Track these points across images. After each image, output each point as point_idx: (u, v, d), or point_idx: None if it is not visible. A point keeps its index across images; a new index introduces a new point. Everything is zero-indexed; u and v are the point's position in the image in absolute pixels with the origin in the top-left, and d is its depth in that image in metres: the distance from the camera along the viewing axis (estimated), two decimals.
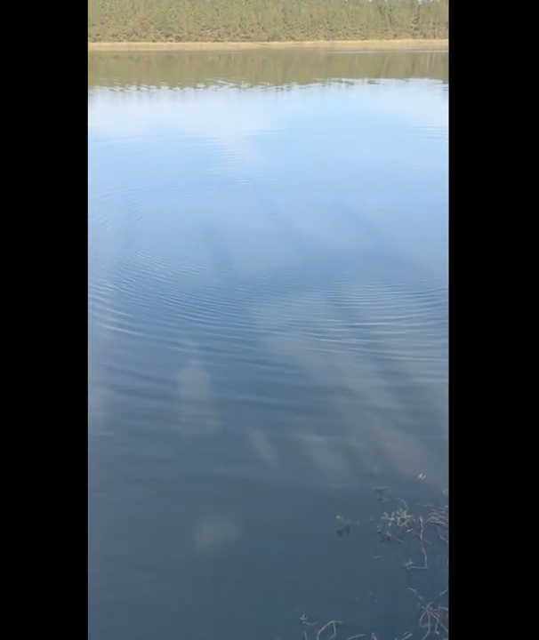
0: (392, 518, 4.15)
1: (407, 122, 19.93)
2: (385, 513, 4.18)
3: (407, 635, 3.37)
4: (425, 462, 4.77)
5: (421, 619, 3.46)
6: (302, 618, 3.46)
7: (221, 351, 6.48)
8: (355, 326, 7.13)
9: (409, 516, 4.17)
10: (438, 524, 4.14)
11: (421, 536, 4.05)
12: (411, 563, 3.85)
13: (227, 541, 4.04)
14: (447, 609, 3.48)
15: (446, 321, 6.50)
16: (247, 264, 9.08)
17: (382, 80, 50.18)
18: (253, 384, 5.90)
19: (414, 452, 4.96)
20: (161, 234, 10.44)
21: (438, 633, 3.37)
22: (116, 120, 25.51)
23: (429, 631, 3.38)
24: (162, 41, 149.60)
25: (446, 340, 6.70)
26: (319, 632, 3.40)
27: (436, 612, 3.47)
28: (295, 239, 10.25)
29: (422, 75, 56.53)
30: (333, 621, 3.45)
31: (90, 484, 4.40)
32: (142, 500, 4.40)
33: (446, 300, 7.66)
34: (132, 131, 22.47)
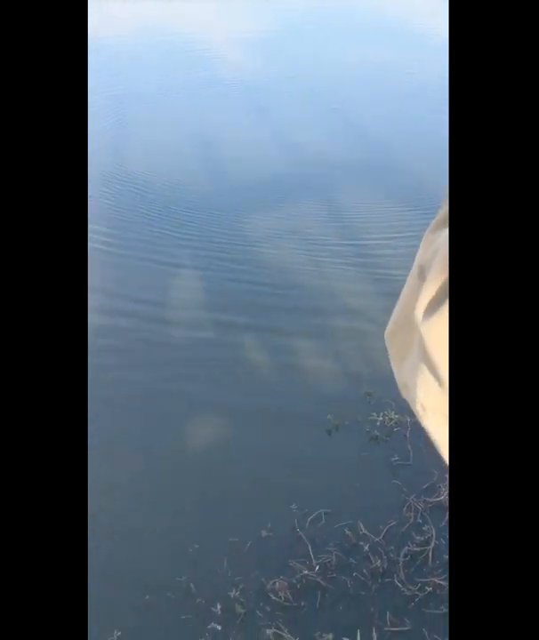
0: (381, 418, 4.30)
1: (412, 20, 18.77)
2: (374, 413, 4.33)
3: (392, 522, 3.58)
4: None
5: (405, 508, 3.67)
6: (293, 507, 3.67)
7: (210, 269, 6.45)
8: (351, 244, 7.07)
9: (397, 416, 4.32)
10: None
11: (407, 434, 4.21)
12: (397, 458, 4.03)
13: (218, 440, 4.20)
14: (430, 500, 3.69)
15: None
16: (240, 174, 8.84)
17: None
18: (242, 299, 5.92)
19: None
20: (150, 142, 10.08)
21: (420, 521, 3.59)
22: (95, 19, 23.92)
23: (412, 519, 3.60)
24: None
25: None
26: (309, 519, 3.61)
27: (419, 503, 3.68)
28: (289, 148, 9.93)
29: None
30: (322, 510, 3.66)
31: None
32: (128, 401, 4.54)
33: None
34: (113, 30, 21.13)
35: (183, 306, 5.74)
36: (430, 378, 0.61)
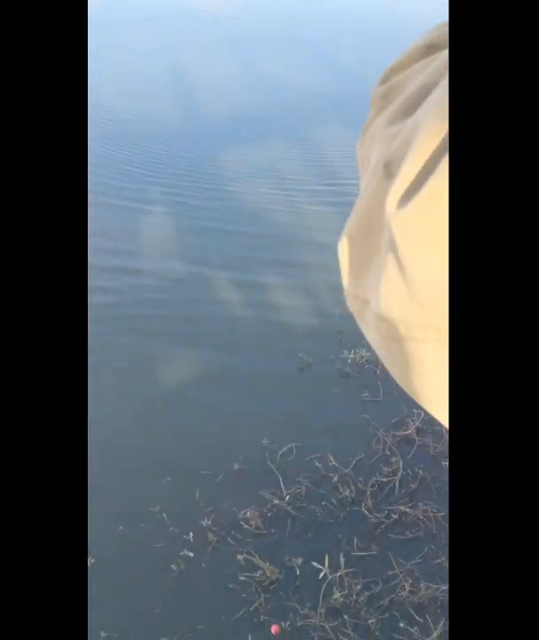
0: (352, 355, 4.34)
1: None
2: (345, 351, 4.36)
3: (360, 455, 3.67)
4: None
5: (374, 441, 3.75)
6: (264, 441, 3.73)
7: (181, 207, 6.31)
8: (326, 184, 6.94)
9: (368, 354, 4.36)
10: None
11: (378, 371, 4.27)
12: (367, 394, 4.10)
13: (190, 377, 4.22)
14: (398, 434, 3.78)
15: None
16: (212, 109, 8.54)
17: None
18: (213, 239, 5.82)
19: None
20: (122, 71, 9.64)
21: (388, 453, 3.68)
22: None
23: (380, 452, 3.69)
24: None
25: None
26: (280, 453, 3.68)
27: (387, 436, 3.76)
28: (264, 83, 9.59)
29: None
30: (293, 444, 3.72)
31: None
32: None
33: None
34: None
35: (153, 245, 5.64)
36: (398, 282, 0.45)
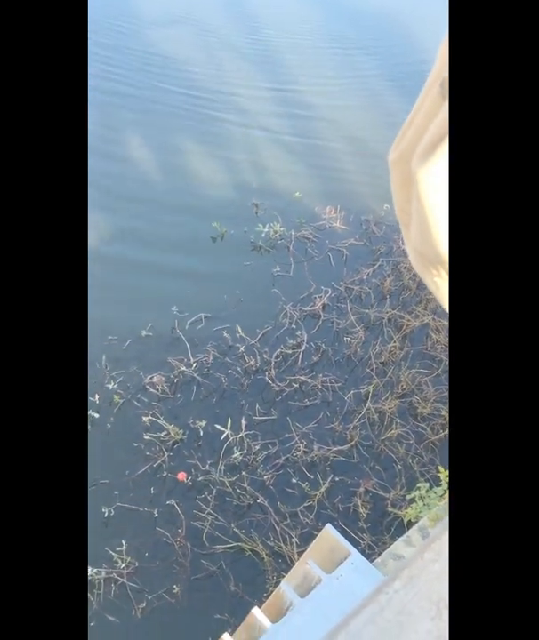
0: (266, 229, 4.29)
1: None
2: (260, 224, 4.30)
3: (268, 327, 3.75)
4: (303, 182, 4.81)
5: (281, 315, 3.83)
6: (174, 309, 3.71)
7: (93, 54, 5.65)
8: (250, 38, 6.39)
9: (282, 229, 4.33)
10: (307, 238, 4.36)
11: (291, 247, 4.27)
12: (278, 269, 4.12)
13: (102, 240, 4.04)
14: (305, 309, 3.88)
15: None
16: None
17: None
18: (127, 92, 5.32)
19: (294, 171, 4.95)
20: None
21: (294, 327, 3.78)
22: None
23: (287, 325, 3.78)
24: None
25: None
26: (189, 322, 3.69)
27: (295, 311, 3.85)
28: None
29: None
30: (202, 314, 3.74)
31: None
32: None
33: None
34: None
35: None
36: (423, 226, 0.52)
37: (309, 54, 6.30)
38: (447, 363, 3.62)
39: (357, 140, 5.26)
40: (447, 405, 3.38)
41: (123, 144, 4.73)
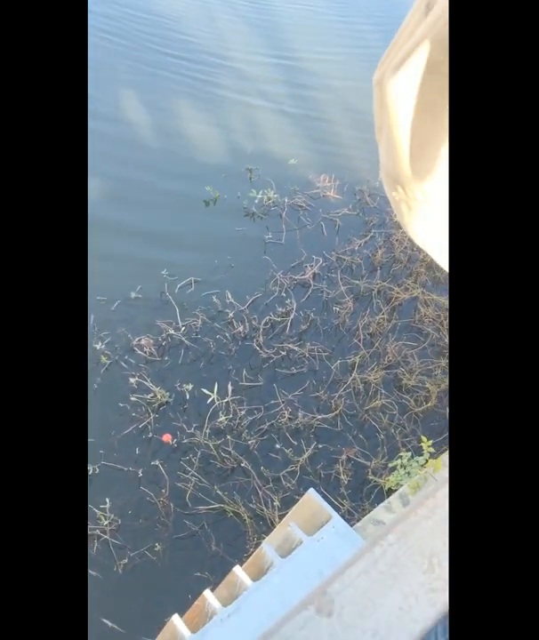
0: (259, 196, 4.24)
1: None
2: (253, 190, 4.25)
3: (257, 294, 3.75)
4: (298, 148, 4.75)
5: (271, 282, 3.83)
6: (164, 273, 3.69)
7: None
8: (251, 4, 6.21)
9: (275, 196, 4.29)
10: (300, 206, 4.33)
11: (283, 215, 4.23)
12: (270, 236, 4.09)
13: (100, 197, 3.97)
14: (296, 277, 3.87)
15: None
16: None
17: None
18: (124, 53, 5.17)
19: (289, 136, 4.88)
20: None
21: (284, 295, 3.78)
22: None
23: (276, 293, 3.78)
24: None
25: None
26: (179, 286, 3.68)
27: (285, 279, 3.84)
28: None
29: None
30: (192, 278, 3.72)
31: None
32: None
33: None
34: None
35: None
36: (390, 142, 0.48)
37: (313, 22, 6.15)
38: (434, 337, 3.67)
39: (355, 112, 5.18)
40: (431, 378, 3.43)
41: (116, 105, 4.62)
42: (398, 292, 3.84)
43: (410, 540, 0.84)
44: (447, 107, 0.43)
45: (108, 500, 2.76)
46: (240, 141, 4.68)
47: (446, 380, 3.32)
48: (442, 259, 0.56)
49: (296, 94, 5.25)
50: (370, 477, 3.00)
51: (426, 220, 0.52)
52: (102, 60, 4.91)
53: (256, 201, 4.24)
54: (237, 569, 2.04)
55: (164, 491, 2.86)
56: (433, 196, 0.48)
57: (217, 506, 2.85)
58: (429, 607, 0.78)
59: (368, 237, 4.18)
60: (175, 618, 1.85)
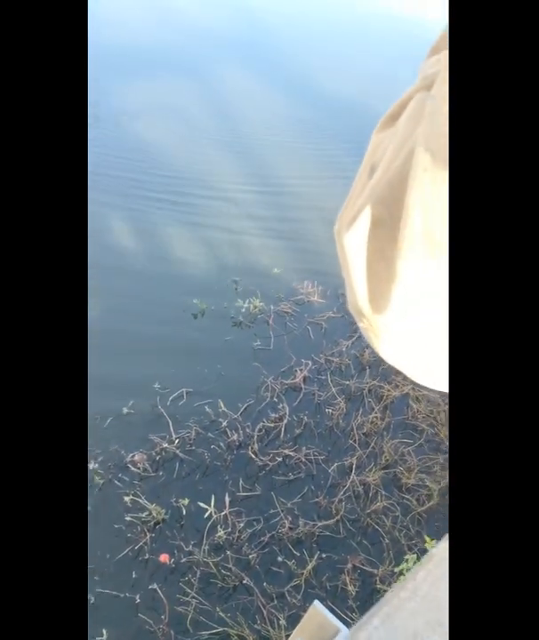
0: (246, 305, 4.39)
1: None
2: (239, 300, 4.40)
3: (250, 401, 3.77)
4: (280, 258, 4.97)
5: (262, 389, 3.86)
6: (156, 386, 3.73)
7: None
8: (228, 130, 6.78)
9: (261, 304, 4.43)
10: (286, 312, 4.47)
11: (270, 322, 4.36)
12: (258, 343, 4.18)
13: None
14: (286, 382, 3.91)
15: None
16: (106, 36, 8.01)
17: None
18: (108, 181, 5.58)
19: (271, 247, 5.13)
20: None
21: (275, 400, 3.81)
22: None
23: (268, 399, 3.80)
24: None
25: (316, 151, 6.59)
26: (170, 398, 3.71)
27: (276, 384, 3.88)
28: (162, 11, 9.09)
29: None
30: (184, 389, 3.76)
31: None
32: None
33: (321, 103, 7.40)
34: None
35: None
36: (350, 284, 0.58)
37: (287, 149, 6.66)
38: (429, 433, 3.65)
39: (328, 212, 5.47)
40: (431, 475, 3.37)
41: (106, 231, 4.91)
42: (388, 390, 3.87)
43: (395, 622, 0.84)
44: (396, 252, 0.50)
45: (104, 631, 2.62)
46: (223, 254, 4.91)
47: (446, 477, 3.27)
48: (414, 375, 0.63)
49: (280, 216, 5.56)
50: (378, 586, 2.86)
51: (391, 345, 0.58)
52: (90, 182, 5.27)
53: (243, 310, 4.38)
54: None
55: (163, 617, 2.72)
56: (392, 326, 0.55)
57: (220, 630, 2.69)
58: None
59: (354, 338, 4.27)
60: None
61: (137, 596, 2.79)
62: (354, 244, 0.54)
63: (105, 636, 2.60)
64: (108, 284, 4.40)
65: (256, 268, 4.82)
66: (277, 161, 6.27)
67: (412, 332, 0.56)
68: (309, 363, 4.02)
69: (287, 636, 2.58)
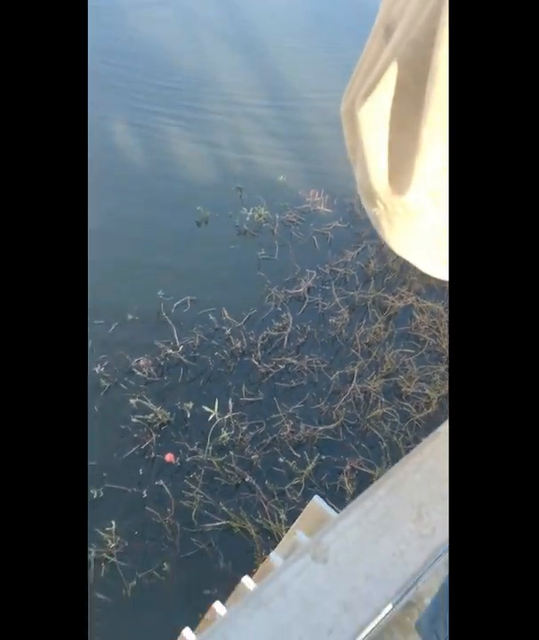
0: (250, 213, 4.29)
1: None
2: (244, 208, 4.30)
3: (253, 310, 3.77)
4: (287, 166, 4.81)
5: (266, 298, 3.85)
6: (160, 293, 3.72)
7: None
8: (235, 26, 6.34)
9: (266, 213, 4.33)
10: (292, 222, 4.38)
11: (275, 231, 4.28)
12: (263, 253, 4.13)
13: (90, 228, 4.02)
14: (290, 292, 3.89)
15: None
16: None
17: None
18: (112, 81, 5.28)
19: (278, 156, 4.95)
20: None
21: (279, 309, 3.80)
22: None
23: (272, 308, 3.80)
24: None
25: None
26: (175, 305, 3.70)
27: (280, 294, 3.86)
28: None
29: None
30: (188, 297, 3.75)
31: None
32: None
33: None
34: None
35: None
36: (363, 161, 0.53)
37: (300, 50, 6.27)
38: (430, 343, 3.67)
39: (341, 127, 5.25)
40: (431, 384, 3.43)
41: (108, 133, 4.71)
42: (392, 301, 3.86)
43: (400, 493, 0.90)
44: (421, 120, 0.46)
45: (113, 522, 2.76)
46: (229, 159, 4.74)
47: (446, 386, 3.33)
48: (427, 267, 0.60)
49: (282, 115, 5.32)
50: None
51: (407, 231, 0.55)
52: (90, 82, 5.01)
53: (247, 219, 4.28)
54: (245, 579, 2.03)
55: (169, 510, 2.85)
56: (412, 207, 0.52)
57: (223, 522, 2.84)
58: (419, 551, 0.85)
59: (360, 249, 4.21)
60: (186, 631, 1.84)
61: (144, 491, 2.91)
62: (373, 117, 0.49)
63: (114, 527, 2.74)
64: (111, 185, 4.28)
65: (261, 174, 4.67)
66: (286, 57, 5.93)
67: (431, 214, 0.52)
68: (314, 273, 3.99)
69: (287, 529, 2.72)
